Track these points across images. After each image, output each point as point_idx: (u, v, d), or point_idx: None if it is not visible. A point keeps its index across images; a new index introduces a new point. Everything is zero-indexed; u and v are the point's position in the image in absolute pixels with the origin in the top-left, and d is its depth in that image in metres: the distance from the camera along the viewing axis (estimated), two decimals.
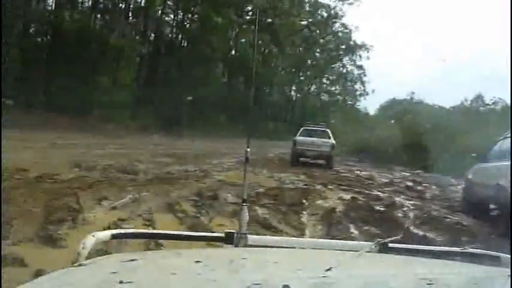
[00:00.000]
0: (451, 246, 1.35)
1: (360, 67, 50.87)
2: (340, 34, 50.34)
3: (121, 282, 0.80)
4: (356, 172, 15.42)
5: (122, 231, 1.36)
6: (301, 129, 17.39)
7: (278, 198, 7.64)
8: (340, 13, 47.78)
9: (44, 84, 24.44)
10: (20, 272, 3.09)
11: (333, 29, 49.98)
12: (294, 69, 49.28)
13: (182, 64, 30.08)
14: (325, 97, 54.73)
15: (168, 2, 32.74)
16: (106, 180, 7.86)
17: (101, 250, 1.93)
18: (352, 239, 5.12)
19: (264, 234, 4.41)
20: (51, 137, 14.78)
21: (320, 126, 17.96)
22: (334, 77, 53.33)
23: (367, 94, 51.22)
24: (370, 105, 77.79)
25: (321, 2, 46.63)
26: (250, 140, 1.64)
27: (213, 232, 2.04)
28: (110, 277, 0.84)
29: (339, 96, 54.23)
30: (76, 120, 21.05)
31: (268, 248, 1.27)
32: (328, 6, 46.57)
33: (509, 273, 0.90)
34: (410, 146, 19.78)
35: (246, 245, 1.25)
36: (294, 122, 43.85)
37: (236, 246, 1.25)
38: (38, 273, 2.27)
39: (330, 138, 16.33)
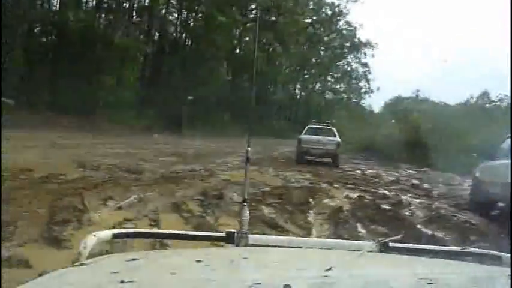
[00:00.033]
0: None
1: (365, 65, 50.87)
2: (344, 32, 50.29)
3: (122, 281, 0.80)
4: (362, 170, 15.33)
5: (123, 230, 1.36)
6: (307, 127, 17.30)
7: (284, 197, 7.57)
8: (344, 11, 47.76)
9: (48, 84, 24.48)
10: (25, 273, 3.05)
11: (337, 26, 49.93)
12: (298, 68, 49.20)
13: (186, 63, 30.10)
14: (329, 95, 54.68)
15: (172, 1, 32.75)
16: (111, 180, 7.82)
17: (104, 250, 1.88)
18: (360, 238, 5.07)
19: (271, 234, 4.37)
20: (55, 136, 14.80)
21: (325, 124, 17.87)
22: (339, 75, 53.28)
23: (371, 92, 51.18)
24: (374, 103, 77.50)
25: (324, 0, 46.54)
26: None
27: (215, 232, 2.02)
28: (111, 277, 0.84)
29: (343, 94, 54.18)
30: (80, 120, 21.09)
31: (269, 248, 1.27)
32: (332, 4, 46.56)
33: (510, 273, 0.89)
34: (416, 144, 19.65)
35: (247, 245, 1.24)
36: (298, 120, 43.81)
37: (237, 245, 1.25)
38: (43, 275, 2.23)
39: (335, 136, 16.24)
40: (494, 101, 35.47)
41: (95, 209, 5.43)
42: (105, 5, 29.49)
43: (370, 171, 15.33)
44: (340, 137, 16.46)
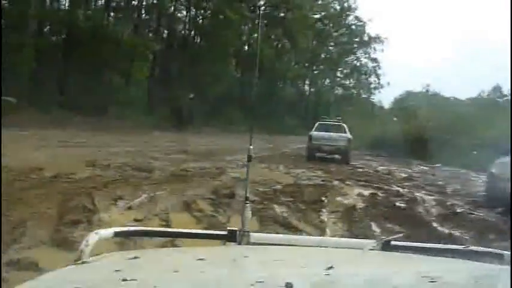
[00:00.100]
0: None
1: (374, 60, 50.36)
2: (353, 27, 49.90)
3: (124, 279, 0.80)
4: (373, 167, 15.16)
5: (125, 228, 1.34)
6: (317, 123, 17.15)
7: (296, 196, 7.46)
8: (353, 6, 47.42)
9: (58, 83, 24.58)
10: (34, 276, 2.98)
11: (346, 22, 49.57)
12: (307, 64, 48.85)
13: (195, 60, 30.03)
14: (339, 91, 54.28)
15: None
16: (121, 179, 7.78)
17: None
18: (375, 237, 4.94)
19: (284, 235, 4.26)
20: (66, 135, 14.83)
21: (336, 120, 17.70)
22: (348, 71, 52.81)
23: (381, 87, 50.68)
24: (384, 98, 76.88)
25: None
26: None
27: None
28: (113, 275, 0.84)
29: (353, 90, 53.70)
30: (91, 119, 21.13)
31: (271, 246, 1.26)
32: None
33: (511, 271, 0.89)
34: (427, 140, 19.40)
35: (248, 243, 1.24)
36: (308, 116, 43.57)
37: (239, 244, 1.24)
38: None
39: (346, 132, 16.07)
40: (506, 95, 35.01)
41: (105, 209, 5.37)
42: (114, 4, 29.56)
43: (382, 167, 15.15)
44: (350, 133, 16.29)
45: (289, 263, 1.03)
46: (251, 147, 1.53)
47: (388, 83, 50.16)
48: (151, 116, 26.66)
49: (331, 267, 0.88)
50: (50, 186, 6.60)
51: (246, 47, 38.16)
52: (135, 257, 0.99)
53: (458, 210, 7.35)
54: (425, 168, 16.27)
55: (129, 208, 5.59)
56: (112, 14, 29.84)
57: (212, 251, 1.24)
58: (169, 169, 9.63)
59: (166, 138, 18.38)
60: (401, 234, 1.25)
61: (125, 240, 3.53)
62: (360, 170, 13.72)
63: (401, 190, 9.37)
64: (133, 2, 30.23)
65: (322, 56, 50.26)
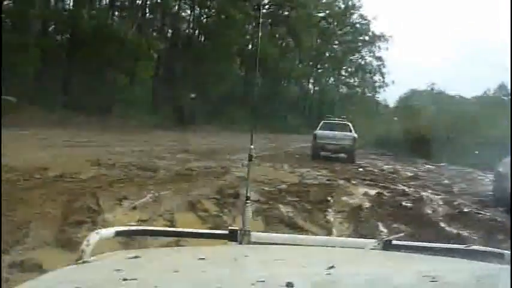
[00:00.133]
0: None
1: (379, 58, 50.17)
2: (358, 25, 49.70)
3: (125, 279, 0.79)
4: (378, 166, 15.08)
5: (126, 228, 1.33)
6: (322, 122, 17.07)
7: (301, 195, 7.40)
8: (357, 4, 47.23)
9: (63, 83, 24.60)
10: None
11: (351, 20, 49.38)
12: (311, 62, 48.70)
13: (199, 59, 29.99)
14: (343, 89, 54.13)
15: None
16: (126, 179, 7.75)
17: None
18: (382, 237, 4.88)
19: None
20: (70, 135, 14.83)
21: (341, 119, 17.62)
22: (353, 69, 52.69)
23: (386, 85, 50.49)
24: (389, 97, 76.67)
25: None
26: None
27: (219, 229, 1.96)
28: (114, 274, 0.83)
29: (357, 89, 53.57)
30: (95, 118, 21.14)
31: (272, 246, 1.25)
32: None
33: (510, 270, 0.89)
34: (432, 138, 19.29)
35: (249, 242, 1.23)
36: (312, 115, 43.48)
37: (240, 243, 1.23)
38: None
39: (351, 131, 15.98)
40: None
41: (109, 209, 5.33)
42: (118, 3, 29.54)
43: (387, 166, 15.07)
44: (355, 132, 16.20)
45: (290, 263, 1.02)
46: (252, 146, 1.53)
47: (393, 82, 50.02)
48: (156, 116, 26.65)
49: (332, 267, 0.88)
50: (54, 186, 6.57)
51: (250, 46, 38.06)
52: (136, 257, 0.98)
53: (465, 210, 7.27)
54: (430, 167, 16.16)
55: (134, 208, 5.55)
56: (116, 13, 29.85)
57: (213, 250, 1.23)
58: (173, 168, 9.59)
59: (170, 137, 18.34)
60: (402, 234, 1.22)
61: (129, 241, 3.50)
62: (365, 169, 13.65)
63: (407, 189, 9.30)
64: (137, 1, 30.21)
65: (327, 54, 50.09)
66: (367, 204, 7.13)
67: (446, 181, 11.75)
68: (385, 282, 0.88)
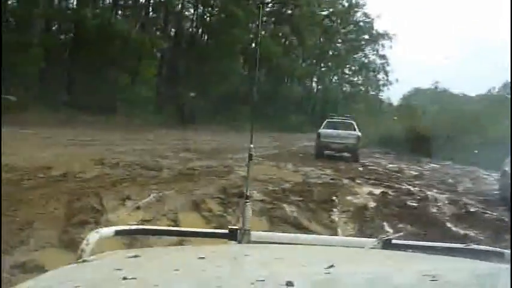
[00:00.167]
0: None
1: (383, 56, 49.95)
2: (361, 24, 49.48)
3: (125, 278, 0.79)
4: (383, 165, 15.02)
5: (126, 227, 1.34)
6: (326, 121, 16.99)
7: (306, 195, 7.35)
8: (361, 2, 47.02)
9: (66, 82, 24.62)
10: None
11: (354, 18, 49.17)
12: (315, 61, 48.56)
13: (203, 58, 29.94)
14: (347, 88, 53.93)
15: None
16: (129, 178, 7.71)
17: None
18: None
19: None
20: (74, 134, 14.82)
21: (345, 118, 17.54)
22: (356, 68, 52.43)
23: (390, 84, 50.27)
24: (393, 95, 76.32)
25: None
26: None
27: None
28: (114, 273, 0.83)
29: (361, 87, 53.35)
30: (99, 117, 21.14)
31: (272, 245, 1.25)
32: None
33: (510, 270, 0.88)
34: (436, 137, 19.20)
35: (249, 242, 1.23)
36: (315, 114, 43.35)
37: (240, 242, 1.24)
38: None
39: (355, 130, 15.89)
40: None
41: (113, 209, 5.30)
42: (122, 2, 29.52)
43: (391, 165, 15.01)
44: (358, 131, 16.12)
45: (290, 262, 1.02)
46: (252, 145, 1.52)
47: (397, 80, 49.82)
48: (159, 114, 26.63)
49: (332, 266, 0.88)
50: (57, 185, 6.54)
51: (254, 45, 37.99)
52: (136, 256, 0.98)
53: (471, 210, 7.21)
54: (435, 166, 16.08)
55: (138, 208, 5.52)
56: (120, 12, 29.83)
57: (213, 249, 1.22)
58: (177, 168, 9.55)
59: (173, 136, 18.32)
60: (402, 233, 1.19)
61: (132, 241, 3.46)
62: (370, 168, 13.59)
63: (412, 189, 9.24)
64: (140, 0, 30.21)
65: (330, 53, 49.86)
66: (372, 204, 7.08)
67: (451, 180, 11.68)
68: (385, 281, 0.88)
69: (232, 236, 1.25)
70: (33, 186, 6.31)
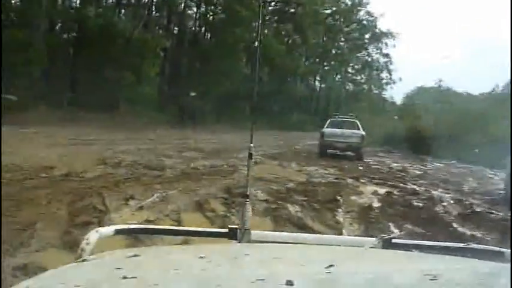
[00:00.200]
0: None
1: (386, 55, 49.86)
2: (364, 22, 49.38)
3: (125, 277, 0.79)
4: (387, 164, 14.92)
5: (125, 226, 1.33)
6: (329, 120, 16.92)
7: (310, 194, 7.29)
8: (364, 1, 46.90)
9: (69, 81, 24.62)
10: None
11: (358, 17, 49.09)
12: (317, 59, 48.48)
13: (206, 57, 29.89)
14: (350, 87, 53.83)
15: None
16: (132, 178, 7.67)
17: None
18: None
19: None
20: (77, 132, 14.80)
21: (348, 116, 17.45)
22: (359, 66, 52.35)
23: (393, 83, 50.17)
24: (396, 94, 76.16)
25: None
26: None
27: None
28: (114, 273, 0.83)
29: (364, 86, 53.25)
30: (102, 116, 21.13)
31: (272, 244, 1.25)
32: None
33: (510, 269, 0.87)
34: (440, 136, 19.09)
35: (249, 241, 1.23)
36: (318, 112, 43.29)
37: (240, 242, 1.24)
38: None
39: (359, 129, 15.81)
40: None
41: (116, 209, 5.25)
42: (125, 1, 29.50)
43: (395, 164, 14.92)
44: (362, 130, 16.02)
45: (290, 261, 1.01)
46: (251, 145, 1.51)
47: (400, 79, 49.71)
48: (162, 113, 26.63)
49: (332, 265, 0.88)
50: (59, 185, 6.50)
51: (257, 43, 37.90)
52: (136, 255, 0.97)
53: (477, 210, 7.13)
54: (439, 165, 15.99)
55: (141, 208, 5.47)
56: (122, 11, 29.81)
57: (213, 248, 1.22)
58: (180, 167, 9.51)
59: (177, 135, 18.31)
60: (402, 232, 1.16)
61: (135, 242, 3.42)
62: (374, 167, 13.50)
63: (417, 188, 9.16)
64: None
65: (333, 51, 49.79)
66: (376, 204, 7.01)
67: (456, 179, 11.60)
68: (385, 280, 0.87)
69: (232, 235, 1.25)
70: (35, 186, 6.26)
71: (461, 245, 1.25)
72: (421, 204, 7.21)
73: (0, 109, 12.08)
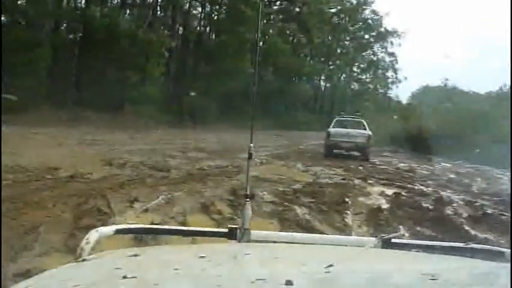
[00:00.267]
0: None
1: (392, 54, 49.60)
2: (370, 21, 49.16)
3: (124, 277, 0.78)
4: (393, 164, 14.78)
5: (126, 226, 1.35)
6: (335, 119, 16.79)
7: (317, 196, 7.18)
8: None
9: (74, 81, 24.65)
10: None
11: (363, 16, 48.88)
12: (323, 59, 48.27)
13: (211, 57, 29.83)
14: (355, 86, 53.60)
15: None
16: (137, 179, 7.59)
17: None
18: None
19: None
20: (82, 133, 14.78)
21: (355, 116, 17.32)
22: (365, 65, 52.09)
23: (399, 82, 49.90)
24: (401, 93, 75.83)
25: None
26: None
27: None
28: (114, 272, 0.83)
29: (369, 85, 52.96)
30: (107, 116, 21.14)
31: (272, 244, 1.25)
32: None
33: (510, 269, 0.87)
34: (447, 136, 18.90)
35: (249, 241, 1.23)
36: (323, 112, 43.16)
37: (239, 241, 1.24)
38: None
39: (365, 128, 15.67)
40: None
41: (121, 212, 5.18)
42: (130, 1, 29.50)
43: (402, 164, 14.77)
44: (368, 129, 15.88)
45: (289, 261, 1.02)
46: (251, 144, 1.52)
47: (405, 78, 49.44)
48: (167, 113, 26.58)
49: (331, 265, 0.87)
50: (65, 186, 6.44)
51: (262, 43, 37.80)
52: (135, 255, 0.98)
53: (488, 211, 6.99)
54: (446, 165, 15.82)
55: (146, 211, 5.39)
56: (127, 11, 29.81)
57: (213, 248, 1.22)
58: (185, 168, 9.44)
59: (181, 135, 18.24)
60: (401, 232, 1.13)
61: (138, 243, 3.34)
62: (380, 167, 13.37)
63: (425, 189, 9.03)
64: None
65: (338, 51, 49.58)
66: (385, 206, 6.90)
67: (464, 180, 11.45)
68: (384, 280, 0.87)
69: (232, 235, 1.25)
70: (39, 187, 6.20)
71: (461, 245, 1.25)
72: (430, 206, 7.08)
73: (0, 109, 12.03)
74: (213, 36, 34.43)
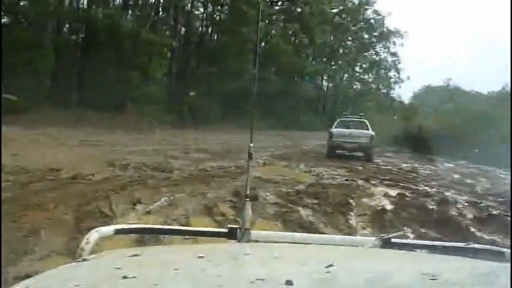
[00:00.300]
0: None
1: (394, 54, 49.50)
2: (372, 21, 49.07)
3: (124, 277, 0.79)
4: (396, 164, 14.71)
5: (125, 226, 1.35)
6: (338, 120, 16.73)
7: (320, 197, 7.12)
8: None
9: (77, 81, 24.65)
10: None
11: (365, 16, 48.79)
12: (325, 59, 48.19)
13: (213, 57, 29.81)
14: (357, 86, 53.49)
15: None
16: (139, 180, 7.55)
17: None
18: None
19: None
20: (84, 133, 14.75)
21: (357, 116, 17.25)
22: (367, 65, 51.92)
23: (401, 82, 49.78)
24: (403, 93, 75.67)
25: None
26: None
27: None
28: (114, 272, 0.83)
29: (372, 85, 52.81)
30: (109, 116, 21.13)
31: (271, 244, 1.25)
32: None
33: (510, 269, 0.86)
34: (449, 136, 18.82)
35: (249, 241, 1.23)
36: (326, 112, 43.09)
37: (239, 241, 1.23)
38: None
39: (368, 129, 15.59)
40: None
41: (123, 214, 5.13)
42: (132, 2, 29.50)
43: (405, 165, 14.71)
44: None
45: (289, 261, 1.02)
46: (251, 144, 1.51)
47: (408, 78, 49.33)
48: (169, 113, 26.57)
49: (331, 265, 0.88)
50: (66, 188, 6.40)
51: (264, 43, 37.75)
52: (135, 255, 0.97)
53: (494, 212, 6.92)
54: (450, 165, 15.75)
55: (148, 213, 5.34)
56: (130, 12, 29.81)
57: (212, 248, 1.22)
58: (188, 169, 9.40)
59: (184, 135, 18.21)
60: (401, 232, 1.10)
61: (140, 244, 3.30)
62: (383, 167, 13.31)
63: (429, 190, 8.96)
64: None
65: (340, 51, 49.50)
66: (389, 207, 6.83)
67: (468, 180, 11.37)
68: (384, 280, 0.86)
69: (232, 235, 1.25)
70: (42, 189, 6.16)
71: (461, 244, 1.25)
72: (435, 207, 7.02)
73: (0, 109, 12.00)
74: (215, 37, 34.41)
